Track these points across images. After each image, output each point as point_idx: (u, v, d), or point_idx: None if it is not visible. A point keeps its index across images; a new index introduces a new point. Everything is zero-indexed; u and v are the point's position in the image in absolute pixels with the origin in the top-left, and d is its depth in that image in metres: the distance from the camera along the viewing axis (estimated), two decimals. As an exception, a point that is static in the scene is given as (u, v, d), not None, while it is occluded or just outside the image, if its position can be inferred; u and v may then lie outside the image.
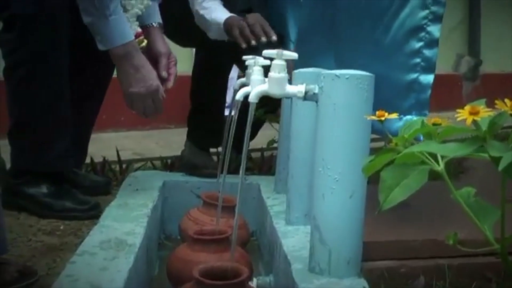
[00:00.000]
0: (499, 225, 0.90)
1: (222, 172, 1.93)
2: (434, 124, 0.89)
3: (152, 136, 3.97)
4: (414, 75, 1.74)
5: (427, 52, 1.74)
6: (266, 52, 1.51)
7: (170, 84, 2.20)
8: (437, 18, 1.73)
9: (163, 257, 2.01)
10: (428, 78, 1.74)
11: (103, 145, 3.09)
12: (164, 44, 2.25)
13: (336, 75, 1.39)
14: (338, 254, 1.42)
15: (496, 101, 0.80)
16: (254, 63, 1.61)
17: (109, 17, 2.00)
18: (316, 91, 1.43)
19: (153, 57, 2.19)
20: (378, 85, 1.82)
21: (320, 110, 1.43)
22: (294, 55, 1.48)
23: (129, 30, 2.07)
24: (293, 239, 1.73)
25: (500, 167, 0.73)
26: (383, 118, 0.96)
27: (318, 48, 1.98)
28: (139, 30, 2.20)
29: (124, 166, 2.84)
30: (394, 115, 0.95)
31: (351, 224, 1.42)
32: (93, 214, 2.14)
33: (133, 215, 1.97)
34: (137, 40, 2.17)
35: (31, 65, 2.07)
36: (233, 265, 1.58)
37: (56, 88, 2.13)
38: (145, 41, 2.24)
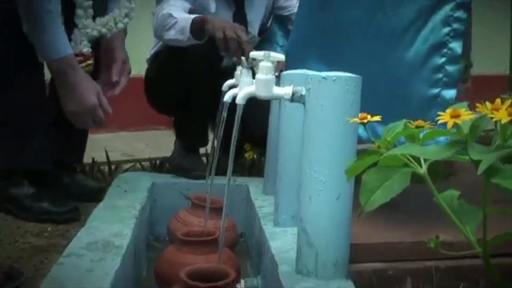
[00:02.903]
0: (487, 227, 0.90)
1: (210, 174, 1.94)
2: (417, 127, 0.89)
3: (142, 137, 3.96)
4: (437, 90, 1.77)
5: (449, 68, 1.77)
6: (253, 53, 1.51)
7: (116, 91, 2.20)
8: (458, 35, 1.76)
9: (152, 259, 2.00)
10: (451, 93, 1.78)
11: (93, 146, 3.07)
12: (123, 50, 2.26)
13: (323, 77, 1.39)
14: (325, 256, 1.42)
15: (477, 104, 0.80)
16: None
17: (45, 29, 1.95)
18: (303, 93, 1.43)
19: (109, 62, 2.20)
20: (401, 100, 1.84)
21: (307, 112, 1.42)
22: (281, 56, 1.48)
23: (66, 44, 2.02)
24: (281, 241, 1.73)
25: (479, 171, 0.73)
26: (365, 121, 0.96)
27: (309, 59, 1.99)
28: (88, 50, 2.14)
29: (113, 167, 2.84)
30: (376, 118, 0.95)
31: (338, 226, 1.42)
32: (70, 217, 2.13)
33: (121, 217, 1.96)
34: (82, 60, 2.12)
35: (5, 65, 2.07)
36: (220, 267, 1.58)
37: (32, 89, 2.13)
38: (91, 64, 2.17)
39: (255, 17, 2.66)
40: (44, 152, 2.21)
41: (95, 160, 2.83)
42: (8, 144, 2.17)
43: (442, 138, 1.19)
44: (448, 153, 0.79)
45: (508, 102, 0.75)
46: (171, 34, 2.33)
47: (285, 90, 1.45)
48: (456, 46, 1.74)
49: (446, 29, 1.74)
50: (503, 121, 0.75)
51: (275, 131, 2.04)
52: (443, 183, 0.95)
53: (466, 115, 0.79)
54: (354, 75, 1.40)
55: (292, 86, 1.45)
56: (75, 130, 2.15)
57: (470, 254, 0.97)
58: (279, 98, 1.49)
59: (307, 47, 1.94)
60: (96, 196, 2.31)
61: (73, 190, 2.40)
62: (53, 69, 2.01)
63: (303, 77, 1.53)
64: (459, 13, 1.71)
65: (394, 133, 0.89)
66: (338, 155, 1.38)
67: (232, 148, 1.53)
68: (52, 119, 2.25)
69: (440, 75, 1.74)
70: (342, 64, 1.82)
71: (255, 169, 2.71)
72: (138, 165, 2.93)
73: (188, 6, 2.47)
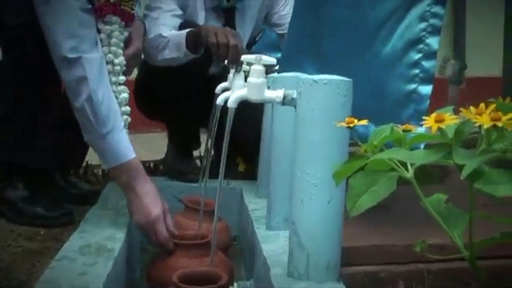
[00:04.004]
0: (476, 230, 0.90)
1: (203, 177, 1.94)
2: (404, 131, 0.89)
3: (137, 139, 3.94)
4: (413, 86, 1.76)
5: (425, 64, 1.76)
6: (245, 57, 1.51)
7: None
8: (435, 31, 1.75)
9: (145, 262, 2.00)
10: (427, 89, 1.77)
11: (87, 149, 3.07)
12: (139, 40, 2.18)
13: (314, 80, 1.39)
14: (317, 259, 1.42)
15: (461, 109, 0.80)
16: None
17: (107, 135, 1.85)
18: (295, 96, 1.43)
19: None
20: (378, 96, 1.83)
21: (298, 115, 1.43)
22: (272, 60, 1.48)
23: (131, 147, 1.91)
24: (273, 244, 1.73)
25: (463, 176, 0.73)
26: (351, 125, 0.96)
27: (304, 61, 2.00)
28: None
29: (106, 170, 2.83)
30: (363, 122, 0.95)
31: (329, 229, 1.42)
32: (64, 222, 2.12)
33: (114, 220, 1.97)
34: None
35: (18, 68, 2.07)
36: (212, 270, 1.58)
37: (40, 90, 2.12)
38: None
39: (245, 30, 2.64)
40: (45, 152, 2.21)
41: (88, 163, 2.82)
42: (10, 139, 2.17)
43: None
44: (434, 158, 0.79)
45: (491, 107, 0.76)
46: (166, 54, 2.31)
47: (276, 94, 1.46)
48: (433, 41, 1.73)
49: (423, 25, 1.73)
50: (486, 126, 0.75)
51: (268, 133, 2.05)
52: (437, 185, 0.95)
53: (450, 120, 0.80)
54: (345, 78, 1.41)
55: (283, 89, 1.45)
56: (79, 133, 2.14)
57: (459, 257, 0.97)
58: (271, 102, 1.49)
59: (301, 52, 1.94)
60: (89, 199, 2.31)
61: (67, 193, 2.39)
62: (118, 175, 1.90)
63: (295, 80, 1.53)
64: (436, 9, 1.70)
65: (381, 137, 0.89)
66: (329, 159, 1.38)
67: (224, 150, 1.54)
68: (57, 120, 2.25)
69: (416, 71, 1.73)
70: (327, 63, 1.83)
71: (249, 175, 2.71)
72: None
73: (178, 21, 2.46)
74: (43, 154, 2.21)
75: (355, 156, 0.90)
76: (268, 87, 1.50)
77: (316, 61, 1.91)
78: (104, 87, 1.87)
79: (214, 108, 1.77)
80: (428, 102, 1.78)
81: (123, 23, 2.01)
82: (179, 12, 2.49)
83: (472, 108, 0.78)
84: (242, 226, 2.27)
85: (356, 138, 0.98)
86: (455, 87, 5.48)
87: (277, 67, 1.94)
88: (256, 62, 1.47)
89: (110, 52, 1.95)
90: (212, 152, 2.70)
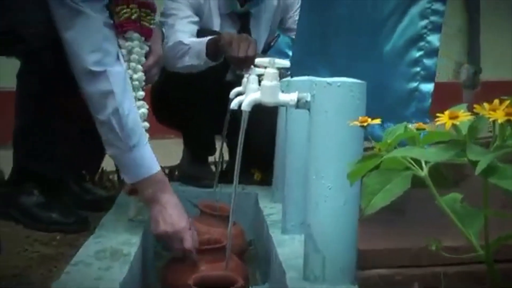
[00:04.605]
0: (491, 230, 0.90)
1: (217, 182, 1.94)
2: (417, 129, 0.89)
3: (152, 145, 3.95)
4: (415, 84, 1.75)
5: (427, 61, 1.75)
6: (258, 60, 1.52)
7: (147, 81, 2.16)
8: (436, 28, 1.73)
9: (160, 267, 2.00)
10: (429, 87, 1.75)
11: (102, 155, 3.08)
12: (159, 46, 2.20)
13: (328, 83, 1.39)
14: (332, 262, 1.42)
15: (475, 105, 0.80)
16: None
17: (133, 148, 1.84)
18: (309, 99, 1.43)
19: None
20: (380, 94, 1.82)
21: (312, 118, 1.43)
22: (286, 63, 1.48)
23: (155, 160, 1.90)
24: (288, 248, 1.73)
25: (477, 171, 0.73)
26: (365, 124, 0.96)
27: (313, 64, 2.00)
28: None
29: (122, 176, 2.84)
30: (377, 121, 0.95)
31: (345, 232, 1.42)
32: (78, 228, 2.13)
33: (129, 225, 1.97)
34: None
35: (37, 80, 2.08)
36: (227, 274, 1.58)
37: (59, 100, 2.13)
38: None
39: (260, 35, 2.65)
40: (61, 160, 2.22)
41: (104, 168, 2.83)
42: (27, 148, 2.19)
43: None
44: (448, 155, 0.78)
45: (506, 103, 0.75)
46: (186, 61, 2.33)
47: (290, 97, 1.46)
48: (434, 39, 1.71)
49: (423, 22, 1.72)
50: (500, 121, 0.75)
51: (282, 137, 2.05)
52: (452, 189, 0.95)
53: (464, 117, 0.79)
54: (358, 80, 1.41)
55: (297, 92, 1.45)
56: (97, 141, 2.14)
57: (475, 258, 0.97)
58: (285, 105, 1.49)
59: (310, 53, 1.94)
60: (105, 204, 2.32)
61: (82, 199, 2.41)
62: (145, 188, 1.88)
63: (309, 84, 1.53)
64: (437, 6, 1.69)
65: (394, 136, 0.89)
66: (344, 161, 1.37)
67: (239, 153, 1.54)
68: (75, 128, 2.26)
69: (417, 69, 1.72)
70: (334, 63, 1.83)
71: (264, 182, 2.70)
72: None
73: (195, 28, 2.48)
74: (59, 162, 2.22)
75: (369, 155, 0.89)
76: (282, 91, 1.50)
77: (325, 62, 1.92)
78: (129, 101, 1.86)
79: (228, 112, 1.78)
80: (430, 100, 1.77)
81: (142, 38, 2.03)
82: (195, 18, 2.50)
83: (486, 105, 0.77)
84: (257, 230, 2.26)
85: (370, 136, 0.98)
86: (470, 91, 5.46)
87: (289, 72, 1.94)
88: (269, 65, 1.47)
89: (129, 68, 1.96)
90: (228, 158, 2.71)
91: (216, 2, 2.56)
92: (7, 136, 2.27)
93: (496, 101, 0.77)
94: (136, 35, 1.97)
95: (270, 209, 2.16)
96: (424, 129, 0.90)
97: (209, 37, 2.30)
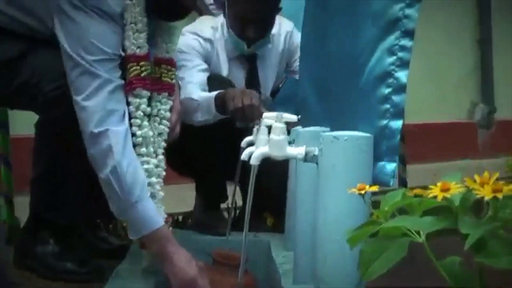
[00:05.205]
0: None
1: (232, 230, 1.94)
2: (415, 196, 0.90)
3: (165, 190, 3.96)
4: (385, 122, 1.73)
5: (395, 98, 1.73)
6: (266, 115, 1.54)
7: (171, 138, 2.19)
8: (404, 64, 1.73)
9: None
10: (398, 124, 1.73)
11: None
12: (178, 101, 2.25)
13: (335, 137, 1.41)
14: (342, 314, 1.42)
15: (465, 179, 0.81)
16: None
17: (135, 204, 1.87)
18: (316, 153, 1.45)
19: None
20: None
21: (320, 171, 1.44)
22: (293, 117, 1.50)
23: (158, 215, 1.93)
24: (299, 300, 1.73)
25: (467, 246, 0.73)
26: (363, 192, 0.97)
27: (315, 104, 2.04)
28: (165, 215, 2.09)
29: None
30: (374, 188, 0.97)
31: (354, 286, 1.42)
32: (93, 277, 2.14)
33: (142, 274, 1.98)
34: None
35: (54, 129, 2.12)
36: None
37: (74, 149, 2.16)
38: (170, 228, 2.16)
39: (267, 77, 2.71)
40: (75, 209, 2.24)
41: (118, 217, 2.85)
42: (42, 195, 2.21)
43: None
44: (441, 225, 0.80)
45: (495, 176, 0.76)
46: (199, 117, 2.37)
47: (298, 150, 1.48)
48: (402, 75, 1.70)
49: (391, 59, 1.71)
50: (487, 198, 0.76)
51: (293, 186, 2.06)
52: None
53: (455, 189, 0.81)
54: (365, 134, 1.42)
55: (305, 146, 1.47)
56: None
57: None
58: (293, 158, 1.51)
59: (311, 94, 1.98)
60: (119, 253, 2.33)
61: (96, 247, 2.42)
62: (150, 243, 1.93)
63: (317, 136, 1.55)
64: (404, 41, 1.68)
65: (392, 203, 0.90)
66: (351, 214, 1.38)
67: (248, 205, 1.54)
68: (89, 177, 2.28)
69: (387, 106, 1.71)
70: (326, 100, 1.85)
71: (277, 229, 2.71)
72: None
73: (205, 76, 2.53)
74: (73, 210, 2.24)
75: (367, 222, 0.91)
76: (293, 140, 1.52)
77: (323, 104, 1.94)
78: (128, 158, 1.88)
79: (239, 161, 1.79)
80: (398, 137, 1.77)
81: (159, 96, 2.06)
82: (205, 66, 2.55)
83: (476, 177, 0.79)
84: (269, 279, 2.26)
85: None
86: (485, 131, 5.45)
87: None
88: (277, 120, 1.49)
89: (135, 125, 1.99)
90: (241, 203, 2.72)
91: (223, 47, 2.63)
92: (24, 183, 2.30)
93: (486, 175, 0.78)
94: (145, 92, 2.00)
95: (282, 258, 2.16)
96: (421, 195, 0.91)
97: (216, 92, 2.34)
